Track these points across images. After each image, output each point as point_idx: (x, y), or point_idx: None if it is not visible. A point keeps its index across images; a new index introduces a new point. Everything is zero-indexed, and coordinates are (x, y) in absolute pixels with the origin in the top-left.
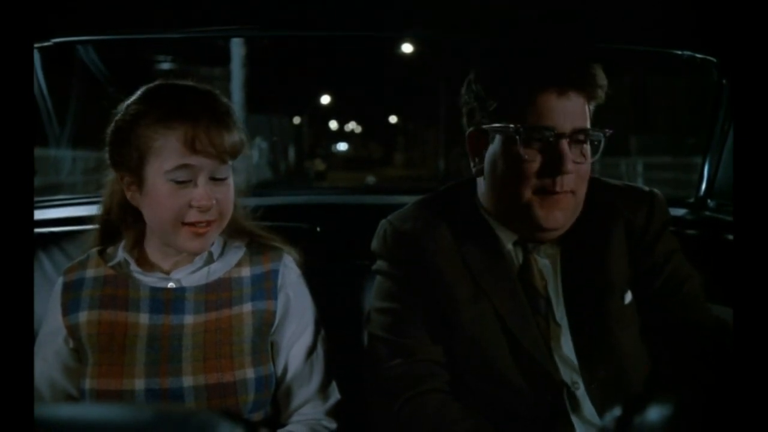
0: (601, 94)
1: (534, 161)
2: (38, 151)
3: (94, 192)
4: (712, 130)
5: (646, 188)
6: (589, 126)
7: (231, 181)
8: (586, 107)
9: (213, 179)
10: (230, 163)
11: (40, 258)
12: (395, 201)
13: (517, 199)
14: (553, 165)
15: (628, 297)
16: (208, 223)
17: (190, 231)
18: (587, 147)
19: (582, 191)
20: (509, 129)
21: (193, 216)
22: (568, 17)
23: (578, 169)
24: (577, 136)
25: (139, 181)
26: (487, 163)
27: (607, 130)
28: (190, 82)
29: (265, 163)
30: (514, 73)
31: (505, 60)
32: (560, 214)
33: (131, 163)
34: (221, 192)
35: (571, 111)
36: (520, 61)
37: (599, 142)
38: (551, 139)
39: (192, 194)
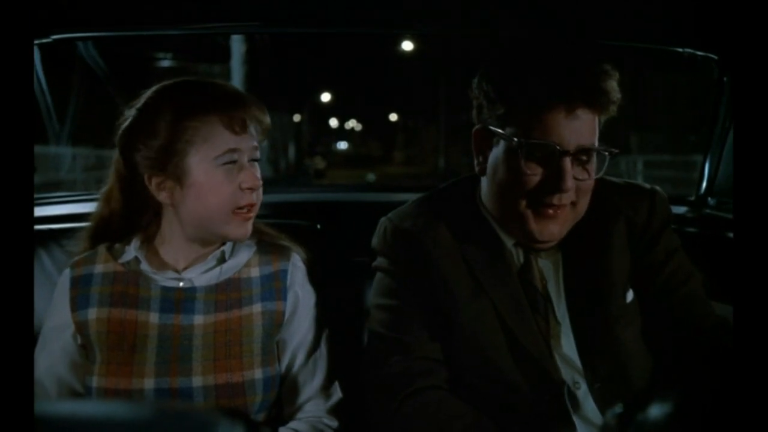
0: (613, 108)
1: (535, 175)
2: (38, 148)
3: (93, 189)
4: (713, 128)
5: (648, 186)
6: (596, 141)
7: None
8: (596, 122)
9: (251, 161)
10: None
11: (39, 255)
12: (395, 198)
13: (515, 207)
14: (554, 181)
15: (630, 295)
16: (252, 208)
17: (240, 217)
18: (592, 163)
19: (583, 203)
20: (512, 140)
21: (245, 199)
22: (569, 15)
23: (580, 185)
24: (581, 155)
25: (179, 176)
26: (490, 165)
27: (613, 150)
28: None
29: (265, 160)
30: (525, 84)
31: (517, 69)
32: (555, 228)
33: (169, 160)
34: (257, 171)
35: (578, 128)
36: (532, 73)
37: (605, 157)
38: (554, 155)
39: (240, 177)
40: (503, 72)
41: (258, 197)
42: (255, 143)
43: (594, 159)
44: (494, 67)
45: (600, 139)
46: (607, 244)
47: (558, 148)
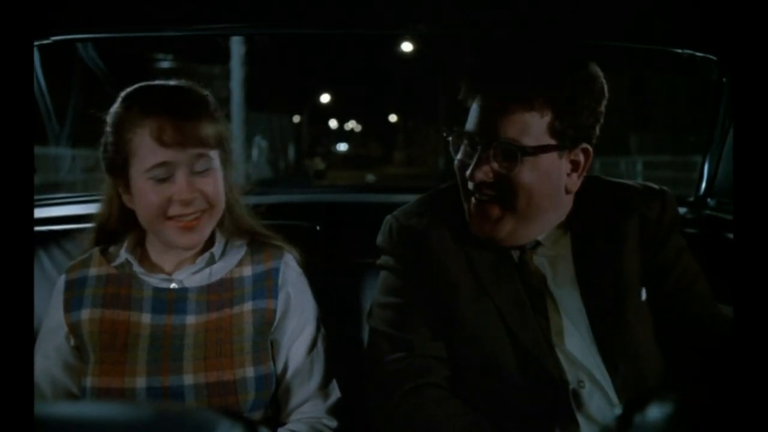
0: (551, 105)
1: (465, 165)
2: (38, 150)
3: (93, 190)
4: (712, 129)
5: (657, 186)
6: (523, 138)
7: (217, 172)
8: (526, 118)
9: (194, 172)
10: (211, 154)
11: (39, 256)
12: (395, 199)
13: (464, 201)
14: (470, 171)
15: (644, 293)
16: (197, 216)
17: (177, 226)
18: (525, 160)
19: (523, 202)
20: (450, 132)
21: (175, 209)
22: (569, 15)
23: (504, 181)
24: (498, 147)
25: (127, 183)
26: None
27: (529, 147)
28: (168, 81)
29: (264, 161)
30: (462, 79)
31: (465, 67)
32: (485, 224)
33: (119, 166)
34: (205, 183)
35: (498, 120)
36: (467, 70)
37: (572, 157)
38: (471, 145)
39: (172, 189)
40: (461, 72)
41: (208, 203)
42: (197, 152)
43: (528, 157)
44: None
45: (578, 138)
46: (621, 244)
47: (475, 138)
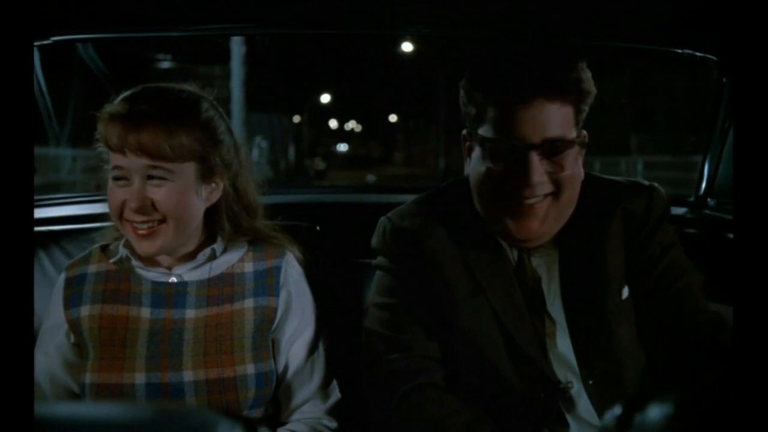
0: (579, 97)
1: (505, 172)
2: (38, 150)
3: (93, 190)
4: (712, 129)
5: (646, 182)
6: (568, 132)
7: (175, 184)
8: (563, 113)
9: (150, 178)
10: (168, 166)
11: (39, 256)
12: (395, 199)
13: (492, 207)
14: (522, 177)
15: (626, 292)
16: (151, 227)
17: (133, 231)
18: (566, 155)
19: (567, 196)
20: (481, 140)
21: (128, 213)
22: (569, 15)
23: (556, 177)
24: (548, 146)
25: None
26: (471, 167)
27: (580, 137)
28: (164, 84)
29: (265, 161)
30: (486, 81)
31: (480, 68)
32: (534, 225)
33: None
34: (158, 193)
35: (542, 121)
36: (491, 70)
37: (582, 144)
38: (520, 150)
39: (127, 193)
40: (470, 72)
41: (163, 215)
42: (147, 163)
43: (568, 150)
44: (466, 69)
45: (579, 136)
46: (604, 241)
47: (522, 142)
